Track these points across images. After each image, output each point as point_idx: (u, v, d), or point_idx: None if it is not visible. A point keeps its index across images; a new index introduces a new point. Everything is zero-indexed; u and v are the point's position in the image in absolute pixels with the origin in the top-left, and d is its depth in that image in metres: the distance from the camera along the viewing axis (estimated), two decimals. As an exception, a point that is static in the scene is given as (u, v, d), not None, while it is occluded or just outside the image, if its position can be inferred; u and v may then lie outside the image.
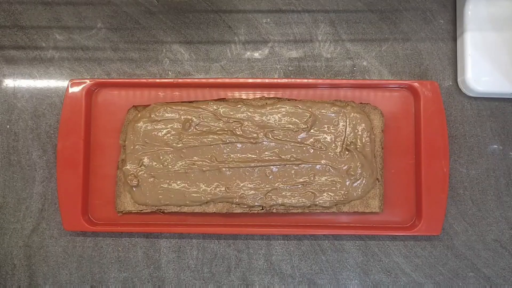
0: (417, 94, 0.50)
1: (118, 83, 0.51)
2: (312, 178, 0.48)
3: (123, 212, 0.49)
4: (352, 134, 0.49)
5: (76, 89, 0.50)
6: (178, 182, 0.48)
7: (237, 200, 0.48)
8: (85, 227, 0.49)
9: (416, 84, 0.50)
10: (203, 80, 0.52)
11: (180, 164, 0.48)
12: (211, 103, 0.49)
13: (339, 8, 0.54)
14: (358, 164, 0.48)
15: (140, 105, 0.50)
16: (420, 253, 0.51)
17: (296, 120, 0.49)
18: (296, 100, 0.50)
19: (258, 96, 0.51)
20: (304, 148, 0.48)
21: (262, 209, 0.48)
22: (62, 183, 0.49)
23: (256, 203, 0.48)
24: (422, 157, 0.49)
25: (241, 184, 0.48)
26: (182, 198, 0.48)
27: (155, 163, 0.48)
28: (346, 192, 0.48)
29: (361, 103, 0.50)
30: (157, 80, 0.52)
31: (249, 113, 0.49)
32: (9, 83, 0.54)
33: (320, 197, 0.48)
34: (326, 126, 0.49)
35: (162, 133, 0.49)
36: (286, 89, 0.52)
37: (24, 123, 0.53)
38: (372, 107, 0.50)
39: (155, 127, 0.49)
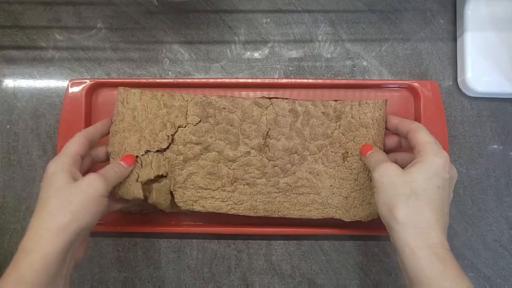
0: (417, 94, 0.50)
1: (118, 83, 0.51)
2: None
3: (124, 211, 0.49)
4: None
5: (76, 89, 0.50)
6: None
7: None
8: (85, 227, 0.49)
9: (416, 84, 0.50)
10: (203, 80, 0.52)
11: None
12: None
13: (339, 8, 0.54)
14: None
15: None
16: (420, 253, 0.51)
17: None
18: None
19: (258, 96, 0.51)
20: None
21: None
22: (62, 183, 0.49)
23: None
24: (422, 157, 0.49)
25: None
26: None
27: None
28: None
29: (361, 103, 0.50)
30: (157, 80, 0.52)
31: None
32: (9, 83, 0.54)
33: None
34: None
35: None
36: (286, 89, 0.52)
37: (24, 123, 0.53)
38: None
39: None
